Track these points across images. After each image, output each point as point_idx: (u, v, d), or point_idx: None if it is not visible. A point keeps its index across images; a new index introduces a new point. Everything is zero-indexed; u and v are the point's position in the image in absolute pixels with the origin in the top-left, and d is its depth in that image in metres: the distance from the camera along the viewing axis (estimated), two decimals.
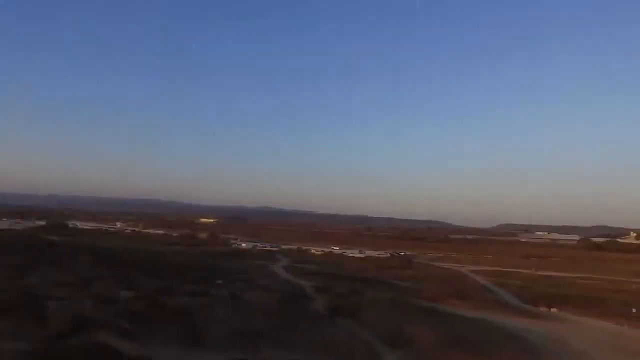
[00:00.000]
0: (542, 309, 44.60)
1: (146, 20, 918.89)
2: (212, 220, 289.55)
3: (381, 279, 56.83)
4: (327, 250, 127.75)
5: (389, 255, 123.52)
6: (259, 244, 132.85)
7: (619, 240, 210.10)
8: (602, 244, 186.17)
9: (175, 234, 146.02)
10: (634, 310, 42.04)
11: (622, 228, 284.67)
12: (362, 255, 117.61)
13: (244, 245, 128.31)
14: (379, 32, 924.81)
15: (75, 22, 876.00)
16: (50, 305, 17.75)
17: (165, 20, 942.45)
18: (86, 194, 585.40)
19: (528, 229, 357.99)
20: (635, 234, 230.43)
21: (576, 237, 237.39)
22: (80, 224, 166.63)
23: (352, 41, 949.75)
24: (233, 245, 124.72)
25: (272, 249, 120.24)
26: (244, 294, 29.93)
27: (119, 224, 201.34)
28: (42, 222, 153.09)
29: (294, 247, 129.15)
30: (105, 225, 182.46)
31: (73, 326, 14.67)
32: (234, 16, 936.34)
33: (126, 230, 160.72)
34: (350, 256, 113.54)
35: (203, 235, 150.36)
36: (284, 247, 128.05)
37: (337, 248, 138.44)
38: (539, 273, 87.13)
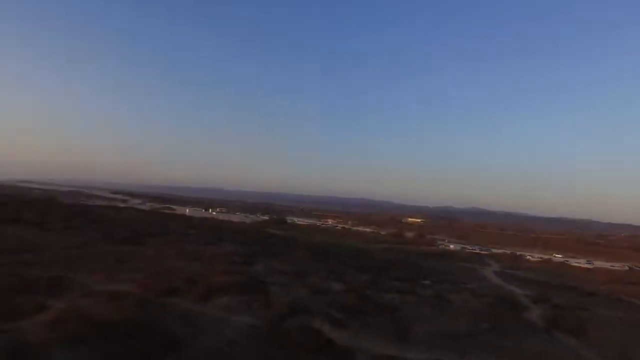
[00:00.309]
0: None
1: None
2: (419, 220, 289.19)
3: (615, 296, 48.56)
4: (545, 257, 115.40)
5: (627, 268, 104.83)
6: (467, 246, 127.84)
7: None
8: None
9: (383, 233, 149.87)
10: None
11: None
12: (589, 266, 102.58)
13: (451, 246, 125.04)
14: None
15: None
16: (272, 290, 19.95)
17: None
18: (304, 193, 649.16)
19: None
20: None
21: None
22: (297, 220, 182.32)
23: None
24: (440, 246, 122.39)
25: (481, 252, 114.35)
26: (451, 296, 29.04)
27: (330, 221, 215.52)
28: (266, 217, 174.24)
29: (506, 251, 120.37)
30: (319, 222, 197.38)
31: (291, 310, 16.16)
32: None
33: (337, 227, 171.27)
34: (574, 266, 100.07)
35: (410, 234, 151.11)
36: (494, 250, 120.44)
37: (560, 256, 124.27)
38: None
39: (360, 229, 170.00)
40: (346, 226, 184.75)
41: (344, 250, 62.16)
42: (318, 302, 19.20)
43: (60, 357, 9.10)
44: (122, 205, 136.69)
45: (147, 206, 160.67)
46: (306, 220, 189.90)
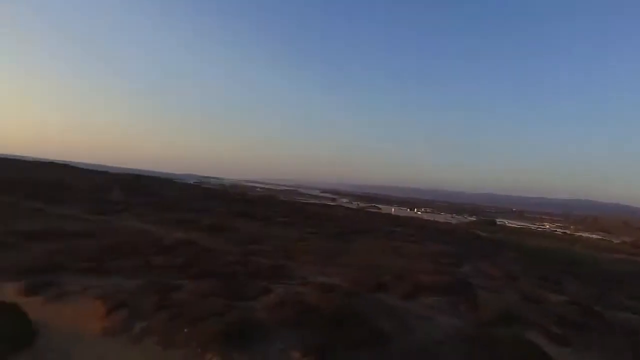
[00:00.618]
0: None
1: None
2: None
3: None
4: None
5: None
6: None
7: None
8: None
9: (615, 241, 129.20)
10: None
11: None
12: None
13: None
14: None
15: None
16: (480, 294, 18.99)
17: None
18: (513, 194, 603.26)
19: None
20: None
21: None
22: (507, 222, 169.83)
23: None
24: None
25: None
26: None
27: (547, 225, 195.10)
28: (473, 218, 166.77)
29: None
30: (533, 225, 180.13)
31: (501, 317, 15.15)
32: None
33: (555, 232, 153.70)
34: None
35: None
36: None
37: None
38: None
39: (584, 235, 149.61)
40: (567, 231, 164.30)
41: (564, 257, 55.49)
42: (531, 311, 17.54)
43: (282, 336, 10.30)
44: (332, 203, 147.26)
45: (354, 205, 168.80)
46: (518, 223, 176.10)
